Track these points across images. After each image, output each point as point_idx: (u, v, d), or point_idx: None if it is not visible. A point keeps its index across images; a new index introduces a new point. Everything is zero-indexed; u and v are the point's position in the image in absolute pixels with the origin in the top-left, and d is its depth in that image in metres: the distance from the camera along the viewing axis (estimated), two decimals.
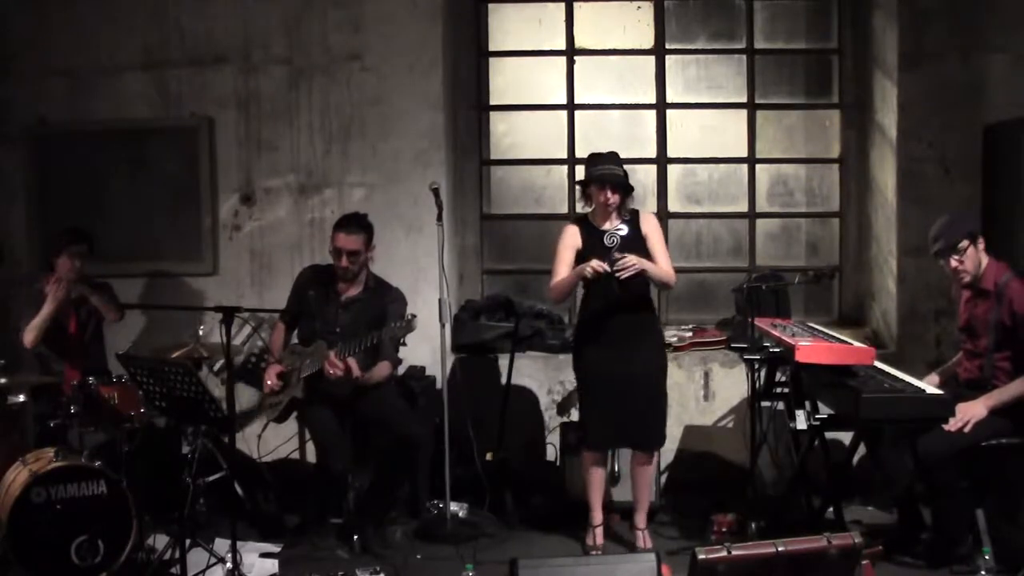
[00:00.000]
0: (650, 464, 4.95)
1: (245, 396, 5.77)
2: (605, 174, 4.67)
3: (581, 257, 4.72)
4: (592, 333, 4.79)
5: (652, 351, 4.83)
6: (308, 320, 5.10)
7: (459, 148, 6.28)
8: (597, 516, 4.90)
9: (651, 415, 4.78)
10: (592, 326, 4.79)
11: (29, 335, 5.16)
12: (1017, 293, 4.44)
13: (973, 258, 4.52)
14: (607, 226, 4.76)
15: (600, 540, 4.88)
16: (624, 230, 4.72)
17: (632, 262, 4.54)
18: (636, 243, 4.70)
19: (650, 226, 4.80)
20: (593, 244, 4.72)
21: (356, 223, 4.98)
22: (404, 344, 5.07)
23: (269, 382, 5.02)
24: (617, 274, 4.55)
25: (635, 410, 4.72)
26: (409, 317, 4.80)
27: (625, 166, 4.80)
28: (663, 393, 4.85)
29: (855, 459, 4.93)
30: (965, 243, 4.50)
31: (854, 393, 4.22)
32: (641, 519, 4.90)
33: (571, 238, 4.79)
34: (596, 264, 4.56)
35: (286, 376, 5.02)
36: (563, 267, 4.76)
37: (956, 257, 4.52)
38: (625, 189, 4.72)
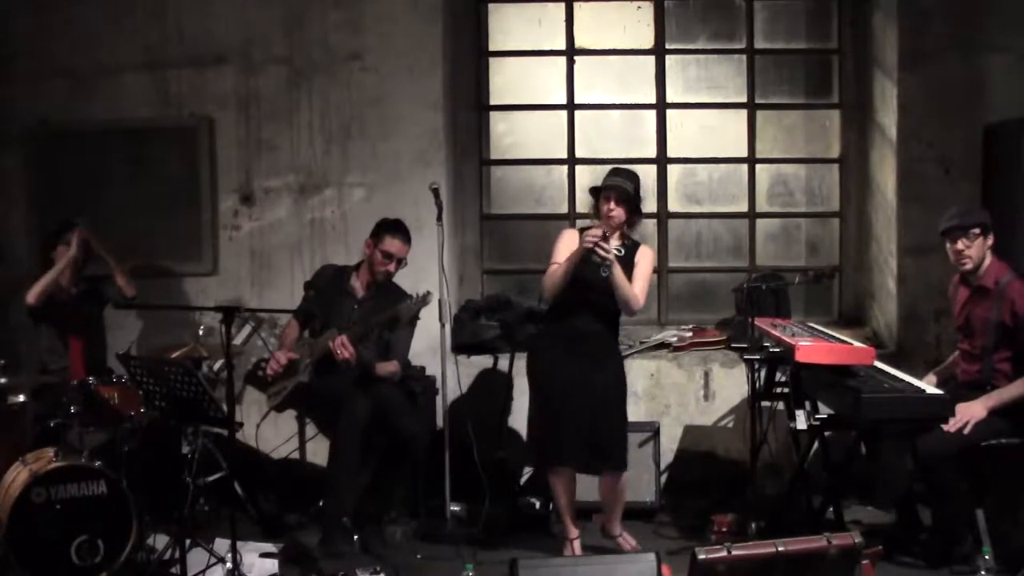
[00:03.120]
0: (619, 486, 4.82)
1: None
2: (612, 184, 4.66)
3: (577, 266, 4.63)
4: (555, 340, 4.74)
5: (614, 370, 4.76)
6: (312, 318, 5.17)
7: (459, 148, 6.28)
8: (572, 530, 4.81)
9: (611, 433, 4.69)
10: (556, 333, 4.74)
11: (32, 291, 5.19)
12: (1019, 293, 4.44)
13: (980, 248, 4.53)
14: (612, 243, 4.66)
15: (579, 552, 4.76)
16: (621, 252, 4.65)
17: (612, 253, 4.47)
18: (626, 269, 4.66)
19: (642, 255, 4.75)
20: (588, 255, 4.55)
21: (406, 231, 5.12)
22: (419, 318, 5.05)
23: (274, 364, 5.05)
24: (599, 256, 4.47)
25: (596, 426, 4.63)
26: (424, 292, 4.86)
27: (625, 166, 4.79)
28: (623, 409, 4.78)
29: (855, 459, 4.94)
30: (978, 231, 4.51)
31: (854, 393, 4.22)
32: (616, 527, 4.86)
33: (569, 240, 4.73)
34: (593, 233, 4.47)
35: (292, 365, 5.04)
36: (560, 261, 4.70)
37: (965, 240, 4.53)
38: (631, 206, 4.66)
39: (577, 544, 4.81)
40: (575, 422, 4.64)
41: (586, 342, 4.68)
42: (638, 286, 4.67)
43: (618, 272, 4.55)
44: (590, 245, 4.45)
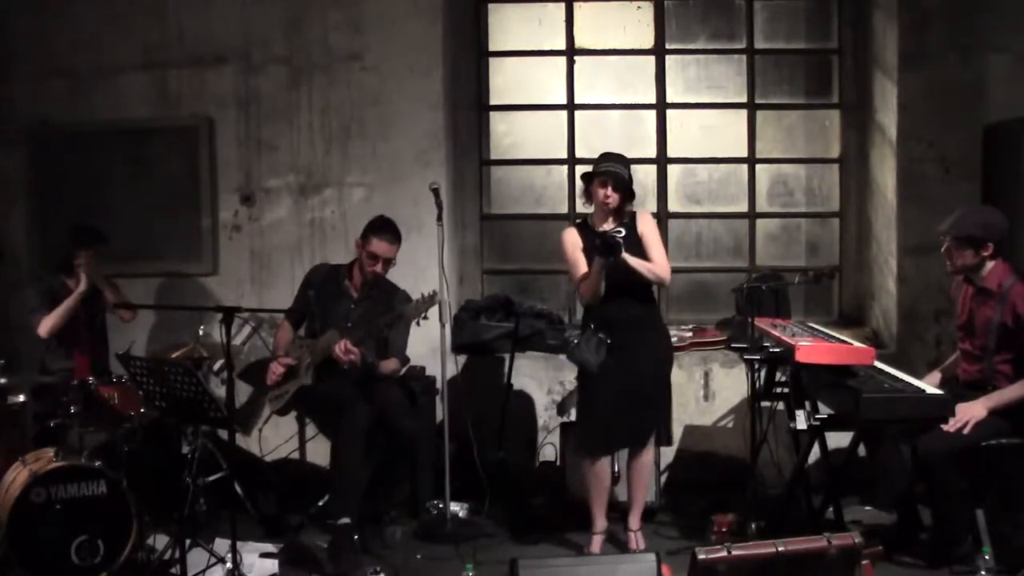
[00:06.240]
0: (648, 460, 4.88)
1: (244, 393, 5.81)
2: (608, 170, 4.66)
3: (586, 257, 4.69)
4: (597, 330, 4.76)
5: (657, 346, 4.79)
6: (311, 319, 5.16)
7: (459, 148, 6.28)
8: (600, 522, 4.81)
9: (654, 414, 4.75)
10: (597, 325, 4.74)
11: (46, 325, 5.17)
12: (1020, 296, 4.44)
13: (966, 258, 4.54)
14: (605, 228, 4.72)
15: (598, 548, 4.79)
16: (622, 232, 4.67)
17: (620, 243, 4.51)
18: (633, 244, 4.66)
19: (646, 224, 4.76)
20: (593, 249, 4.63)
21: (393, 231, 5.11)
22: (426, 318, 5.00)
23: (273, 374, 5.04)
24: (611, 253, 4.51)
25: (638, 411, 4.69)
26: (430, 292, 4.85)
27: (624, 155, 4.81)
28: (667, 390, 4.81)
29: (855, 459, 4.94)
30: (964, 246, 4.52)
31: (854, 393, 4.22)
32: (635, 520, 4.86)
33: (573, 239, 4.77)
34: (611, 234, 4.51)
35: (292, 369, 5.04)
36: (581, 267, 4.71)
37: (947, 244, 4.58)
38: (626, 191, 4.69)
39: (599, 540, 4.81)
40: (613, 413, 4.66)
41: (624, 331, 4.67)
42: (655, 254, 4.68)
43: (631, 260, 4.57)
44: (613, 259, 4.49)
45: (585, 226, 4.82)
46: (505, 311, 5.95)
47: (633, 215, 4.78)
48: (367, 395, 4.96)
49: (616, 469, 5.21)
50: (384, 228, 5.10)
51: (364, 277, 5.15)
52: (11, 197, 6.16)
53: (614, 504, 5.19)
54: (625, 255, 4.52)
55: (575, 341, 4.74)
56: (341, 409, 4.88)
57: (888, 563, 4.43)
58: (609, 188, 4.66)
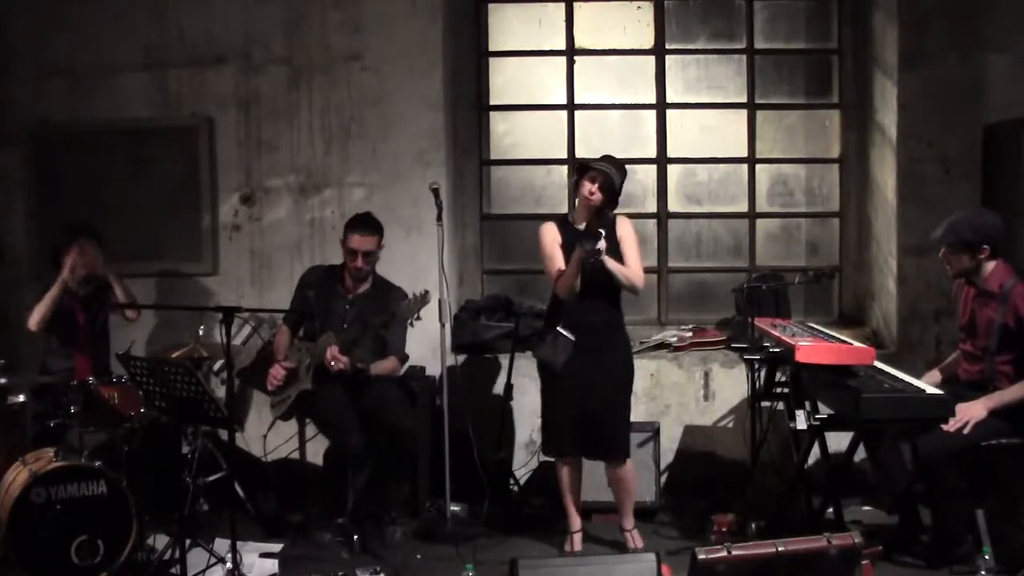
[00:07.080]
0: (624, 474, 4.86)
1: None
2: (601, 168, 4.68)
3: (563, 253, 4.71)
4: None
5: (619, 360, 4.80)
6: (311, 320, 5.16)
7: (459, 148, 6.28)
8: (575, 522, 4.87)
9: (613, 424, 4.75)
10: (564, 324, 4.75)
11: (35, 317, 5.18)
12: (1021, 297, 4.45)
13: (963, 263, 4.55)
14: (584, 228, 4.74)
15: (578, 546, 4.84)
16: (603, 232, 4.63)
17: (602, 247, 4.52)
18: (611, 248, 4.67)
19: (625, 230, 4.78)
20: (572, 243, 4.67)
21: (370, 224, 5.09)
22: (420, 318, 4.97)
23: (275, 378, 5.04)
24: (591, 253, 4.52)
25: (601, 415, 4.70)
26: (422, 292, 4.86)
27: (625, 166, 4.82)
28: (627, 399, 4.83)
29: (855, 459, 4.94)
30: (959, 252, 4.52)
31: (854, 393, 4.23)
32: (628, 521, 4.89)
33: (552, 233, 4.80)
34: (583, 249, 4.53)
35: (293, 372, 5.04)
36: (558, 261, 4.74)
37: (943, 250, 4.61)
38: (611, 194, 4.69)
39: (578, 538, 4.85)
40: (577, 415, 4.69)
41: (590, 333, 4.69)
42: (631, 261, 4.70)
43: (610, 262, 4.59)
44: (592, 259, 4.49)
45: (564, 222, 4.84)
46: (505, 311, 5.95)
47: (614, 219, 4.79)
48: (360, 412, 4.95)
49: None
50: (358, 222, 5.09)
51: (351, 275, 5.14)
52: (11, 197, 6.15)
53: (610, 505, 5.19)
54: (605, 257, 4.54)
55: (541, 339, 4.74)
56: (335, 428, 4.92)
57: (888, 563, 4.44)
58: (596, 185, 4.67)
